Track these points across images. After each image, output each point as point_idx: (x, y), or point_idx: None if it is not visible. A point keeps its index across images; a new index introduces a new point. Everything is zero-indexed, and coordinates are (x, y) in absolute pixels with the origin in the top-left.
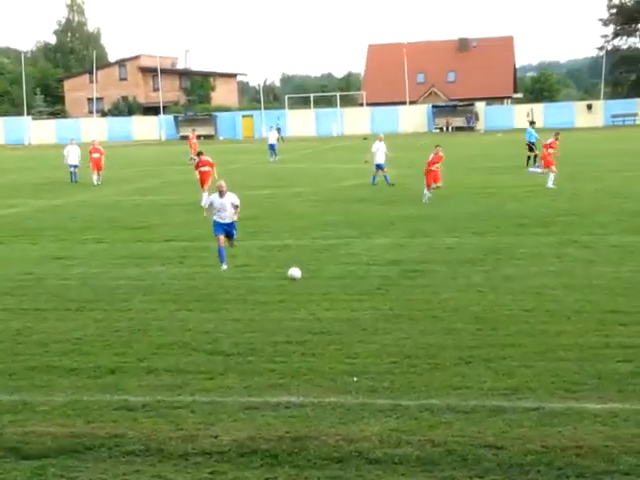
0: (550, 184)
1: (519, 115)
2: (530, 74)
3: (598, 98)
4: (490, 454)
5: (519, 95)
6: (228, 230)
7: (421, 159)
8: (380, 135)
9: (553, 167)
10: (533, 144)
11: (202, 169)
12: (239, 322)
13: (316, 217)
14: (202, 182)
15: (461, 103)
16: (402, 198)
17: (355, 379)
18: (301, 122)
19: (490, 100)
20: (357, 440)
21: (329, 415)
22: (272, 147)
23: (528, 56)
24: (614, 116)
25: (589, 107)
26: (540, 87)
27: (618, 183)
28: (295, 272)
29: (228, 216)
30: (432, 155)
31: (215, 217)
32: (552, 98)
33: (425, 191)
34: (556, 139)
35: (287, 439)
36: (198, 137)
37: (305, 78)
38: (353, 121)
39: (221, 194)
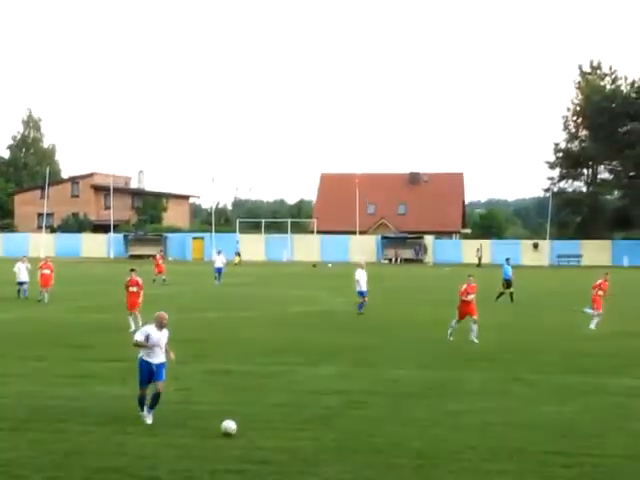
0: (593, 326)
1: (467, 250)
2: (479, 210)
3: (544, 238)
4: None
5: (467, 230)
6: (157, 373)
7: (379, 288)
8: (362, 263)
9: (601, 310)
10: (509, 281)
11: (131, 289)
12: (178, 448)
13: (262, 342)
14: (130, 305)
15: (410, 235)
16: (351, 326)
17: None
18: (252, 246)
19: (439, 234)
20: None
21: None
22: (219, 271)
23: (477, 193)
24: (560, 256)
25: (535, 246)
26: (488, 224)
27: (563, 322)
28: (229, 425)
29: (161, 355)
30: (465, 285)
31: (143, 355)
32: (499, 235)
33: (453, 323)
34: (605, 280)
35: None
36: (150, 257)
37: (257, 203)
38: (303, 248)
39: (161, 327)
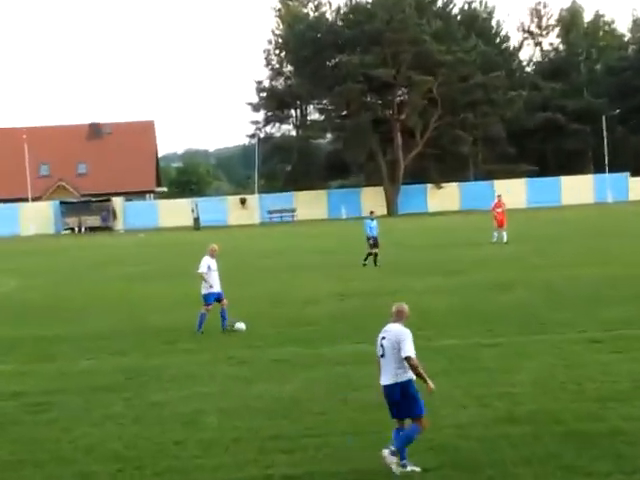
0: (504, 240)
1: (164, 212)
2: (176, 165)
3: (252, 192)
4: None
5: (163, 189)
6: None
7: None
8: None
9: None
10: (375, 238)
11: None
12: None
13: None
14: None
15: (96, 199)
16: (28, 315)
17: None
18: None
19: (130, 195)
20: None
21: None
22: None
23: (172, 144)
24: (271, 212)
25: (243, 202)
26: (187, 180)
27: (276, 288)
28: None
29: None
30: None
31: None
32: (201, 192)
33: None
34: (499, 200)
35: None
36: None
37: None
38: None
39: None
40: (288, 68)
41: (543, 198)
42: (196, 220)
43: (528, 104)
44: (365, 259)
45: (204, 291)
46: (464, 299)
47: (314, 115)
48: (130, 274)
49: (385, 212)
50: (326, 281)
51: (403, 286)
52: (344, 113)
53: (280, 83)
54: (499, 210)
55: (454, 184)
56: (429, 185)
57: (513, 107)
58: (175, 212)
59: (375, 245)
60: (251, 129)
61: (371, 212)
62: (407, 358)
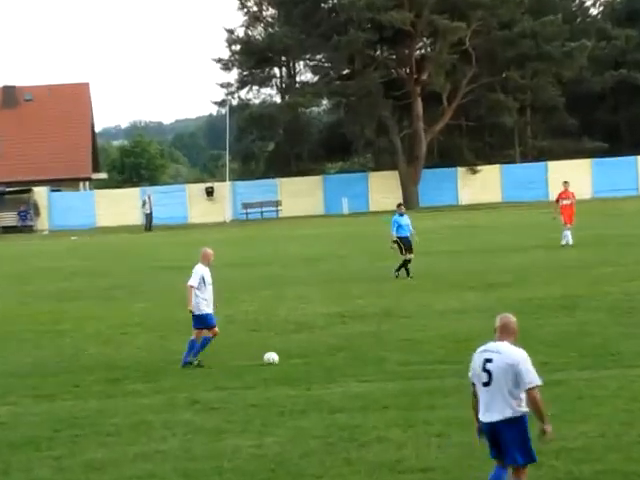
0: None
1: (104, 207)
2: (119, 142)
3: (222, 179)
4: None
5: (102, 175)
6: None
7: None
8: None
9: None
10: (408, 240)
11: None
12: None
13: None
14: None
15: (11, 189)
16: None
17: None
18: None
19: (57, 183)
20: None
21: None
22: None
23: (114, 116)
24: (247, 206)
25: (209, 192)
26: (134, 162)
27: (255, 308)
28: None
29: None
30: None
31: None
32: (153, 180)
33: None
34: (566, 188)
35: None
36: None
37: None
38: None
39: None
40: (270, 12)
41: (614, 184)
42: (148, 217)
43: (594, 60)
44: (398, 269)
45: (201, 311)
46: None
47: (305, 75)
48: (59, 291)
49: None
50: (322, 299)
51: (424, 305)
52: (345, 72)
53: (259, 32)
54: (566, 202)
55: (494, 167)
56: (460, 169)
57: (574, 64)
58: (118, 207)
59: (409, 249)
60: (220, 94)
61: (399, 205)
62: (532, 389)
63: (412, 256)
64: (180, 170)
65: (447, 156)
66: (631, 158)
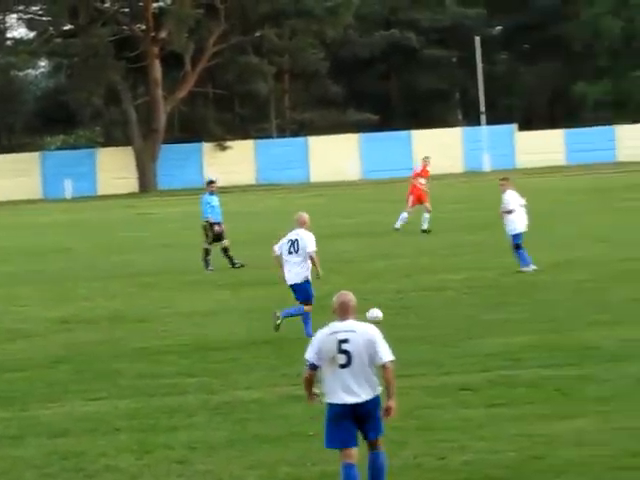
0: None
1: None
2: None
3: None
4: None
5: None
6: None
7: None
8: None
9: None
10: (220, 224)
11: None
12: None
13: None
14: None
15: None
16: None
17: None
18: None
19: None
20: None
21: None
22: None
23: None
24: None
25: None
26: None
27: None
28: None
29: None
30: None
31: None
32: None
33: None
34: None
35: None
36: None
37: None
38: None
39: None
40: None
41: (386, 163)
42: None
43: (362, 18)
44: (206, 256)
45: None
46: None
47: (18, 31)
48: None
49: (136, 188)
50: (42, 300)
51: (164, 306)
52: (68, 28)
53: None
54: (422, 181)
55: (247, 142)
56: (207, 144)
57: (338, 21)
58: None
59: (220, 236)
60: None
61: (210, 182)
62: (387, 363)
63: (227, 243)
64: None
65: (191, 129)
66: (404, 133)
